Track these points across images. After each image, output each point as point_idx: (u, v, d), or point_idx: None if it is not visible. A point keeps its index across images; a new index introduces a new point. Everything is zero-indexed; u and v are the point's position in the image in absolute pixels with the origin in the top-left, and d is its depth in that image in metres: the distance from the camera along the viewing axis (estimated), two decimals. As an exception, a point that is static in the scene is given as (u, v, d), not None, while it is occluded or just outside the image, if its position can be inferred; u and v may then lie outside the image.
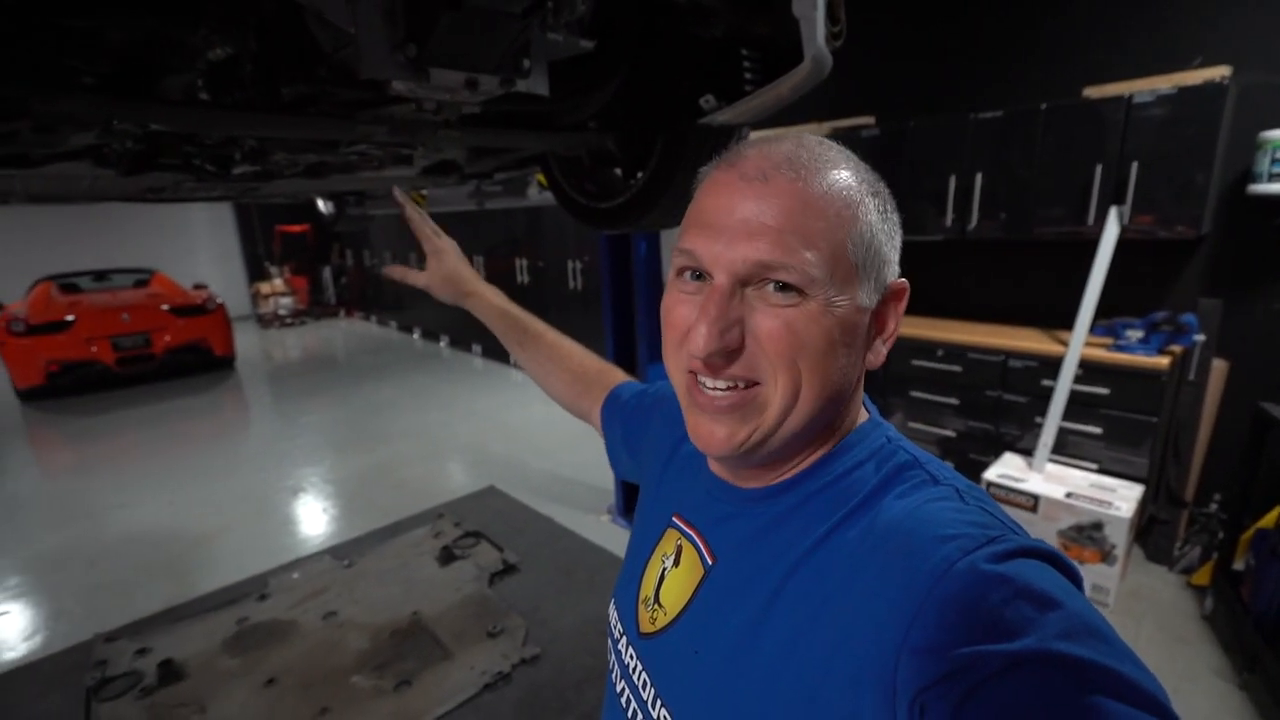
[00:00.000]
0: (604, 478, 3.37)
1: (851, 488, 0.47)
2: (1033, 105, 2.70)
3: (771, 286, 0.43)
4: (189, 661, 2.14)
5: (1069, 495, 2.42)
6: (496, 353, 6.81)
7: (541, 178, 2.02)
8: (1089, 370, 2.55)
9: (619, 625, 0.60)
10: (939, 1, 3.23)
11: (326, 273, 10.41)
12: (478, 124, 1.13)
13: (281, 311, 9.59)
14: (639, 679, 0.54)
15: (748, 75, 1.15)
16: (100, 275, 6.96)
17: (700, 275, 0.46)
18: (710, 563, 0.53)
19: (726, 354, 0.44)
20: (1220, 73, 2.32)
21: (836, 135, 3.40)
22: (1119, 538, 2.31)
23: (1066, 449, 2.68)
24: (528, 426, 4.69)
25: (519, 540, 2.88)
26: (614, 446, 0.80)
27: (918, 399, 3.13)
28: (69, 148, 1.16)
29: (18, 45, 0.75)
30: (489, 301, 0.94)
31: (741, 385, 0.45)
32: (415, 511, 3.24)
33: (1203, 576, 2.44)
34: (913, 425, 3.17)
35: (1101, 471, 2.60)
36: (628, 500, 3.12)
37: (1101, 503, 2.36)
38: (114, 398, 5.83)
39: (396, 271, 0.96)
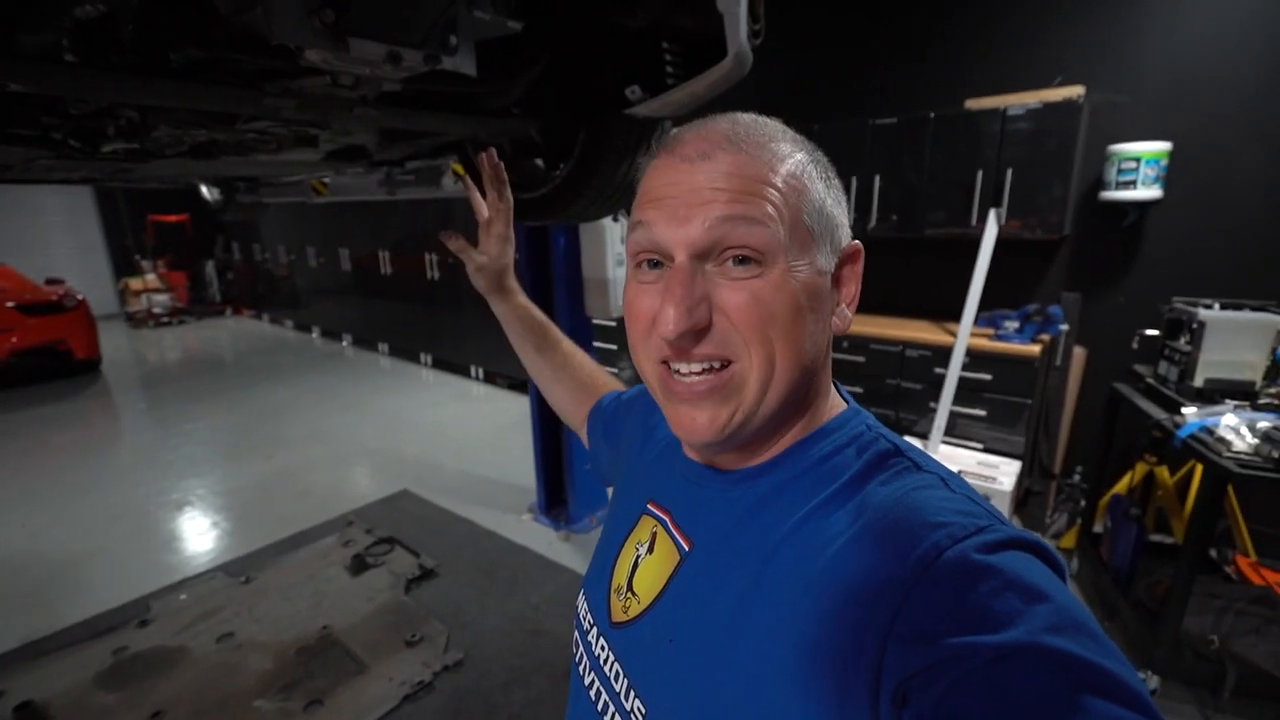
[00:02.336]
0: (524, 476, 3.31)
1: (833, 472, 0.46)
2: (922, 114, 2.92)
3: (731, 260, 0.43)
4: (53, 702, 1.90)
5: (960, 473, 2.64)
6: (404, 351, 6.51)
7: (458, 167, 1.95)
8: (974, 358, 2.80)
9: (589, 616, 0.58)
10: (837, 9, 3.42)
11: (210, 267, 9.52)
12: (397, 103, 1.07)
13: (156, 310, 8.68)
14: (610, 670, 0.53)
15: (670, 68, 1.17)
16: (-76, 268, 6.00)
17: (657, 264, 0.46)
18: (686, 548, 0.51)
19: (696, 334, 0.44)
20: (1076, 91, 2.61)
21: (748, 136, 3.51)
22: (1003, 509, 2.55)
23: (956, 430, 2.92)
24: (441, 426, 4.52)
25: (437, 544, 2.78)
26: (597, 453, 0.79)
27: (826, 388, 3.31)
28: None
29: None
30: (520, 301, 0.89)
31: (717, 366, 0.45)
32: (322, 520, 3.04)
33: (1069, 540, 2.75)
34: (822, 413, 3.35)
35: (986, 450, 2.86)
36: (550, 498, 3.08)
37: (987, 478, 2.60)
38: (-54, 409, 5.04)
39: (456, 242, 0.85)
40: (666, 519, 0.55)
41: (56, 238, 9.22)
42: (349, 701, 1.89)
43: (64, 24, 0.88)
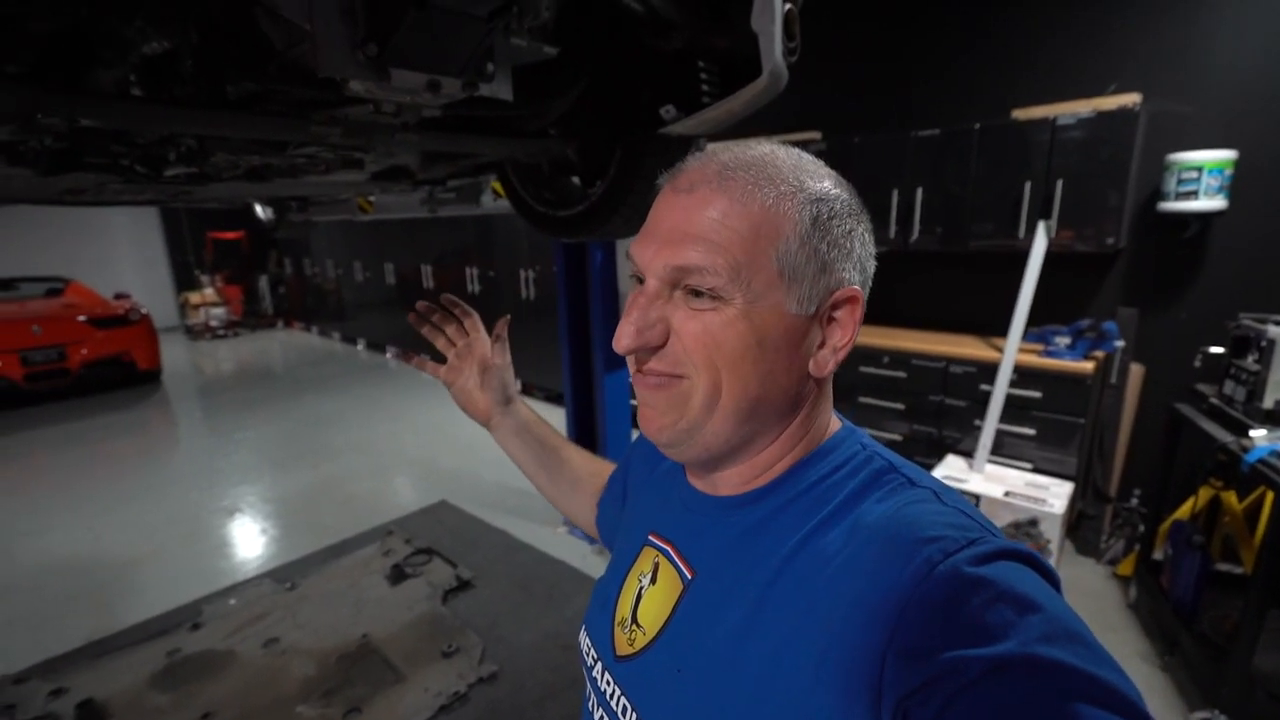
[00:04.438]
0: (560, 489, 3.33)
1: (828, 493, 0.47)
2: (967, 125, 2.86)
3: (690, 292, 0.45)
4: (112, 700, 1.99)
5: (1007, 494, 2.55)
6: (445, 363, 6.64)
7: (497, 185, 1.99)
8: (1022, 375, 2.70)
9: (592, 652, 0.59)
10: (882, 23, 3.38)
11: (263, 282, 9.94)
12: (437, 128, 1.10)
13: (213, 322, 9.10)
14: (618, 705, 0.53)
15: (705, 87, 1.17)
16: (6, 284, 6.43)
17: (643, 280, 0.48)
18: (689, 576, 0.52)
19: (650, 350, 0.47)
20: (1132, 99, 2.51)
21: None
22: (1053, 533, 2.44)
23: (1003, 450, 2.82)
24: (479, 439, 4.57)
25: (473, 555, 2.81)
26: (607, 533, 0.75)
27: (865, 404, 3.23)
28: (-18, 143, 1.07)
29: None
30: (521, 417, 0.83)
31: (673, 377, 0.47)
32: (363, 529, 3.11)
33: (1127, 567, 2.61)
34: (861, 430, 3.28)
35: (1035, 470, 2.74)
36: (585, 511, 3.08)
37: (1036, 500, 2.49)
38: (23, 416, 5.37)
39: (430, 367, 0.86)
40: (669, 549, 0.55)
41: (123, 254, 9.78)
42: (386, 711, 1.92)
43: (133, 60, 0.94)
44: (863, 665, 0.37)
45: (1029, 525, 2.48)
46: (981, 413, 2.74)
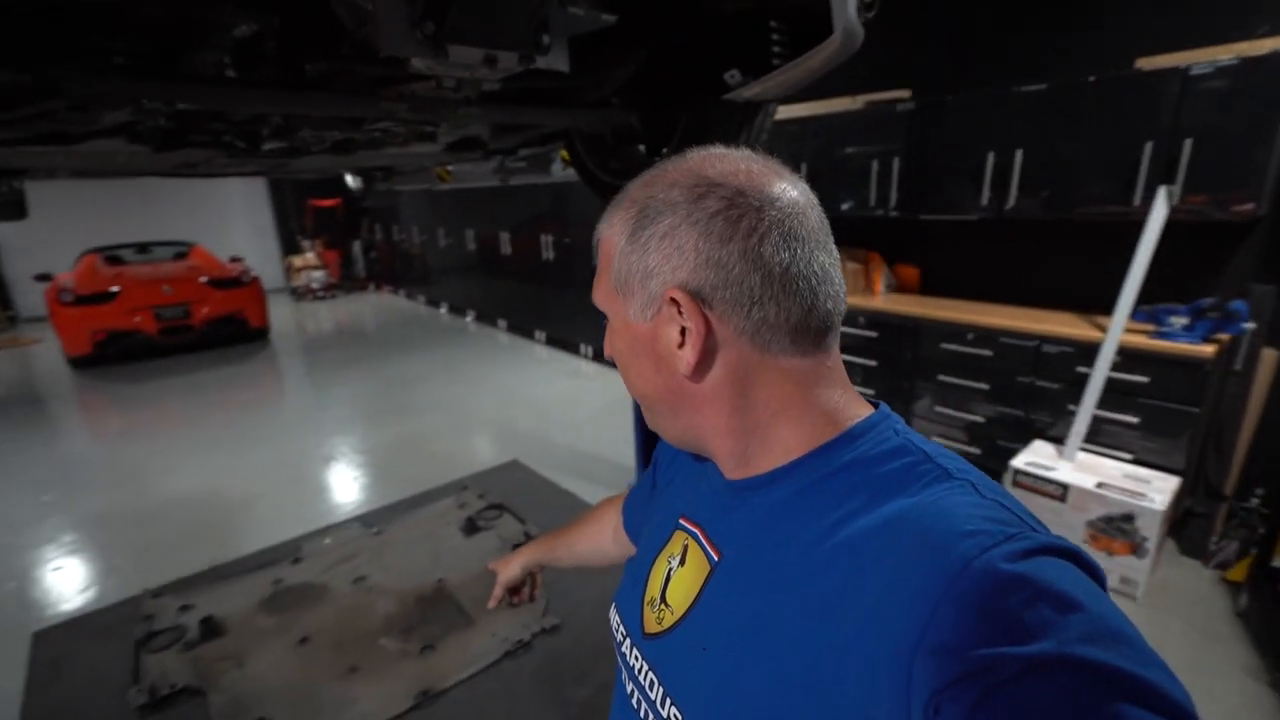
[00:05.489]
0: (625, 454, 3.40)
1: (859, 479, 0.46)
2: (1080, 77, 2.57)
3: None
4: (228, 618, 2.25)
5: (1100, 485, 2.36)
6: (521, 328, 6.86)
7: (564, 154, 2.01)
8: (1128, 357, 2.47)
9: (621, 628, 0.61)
10: (984, -33, 3.08)
11: (356, 247, 10.56)
12: (499, 101, 1.12)
13: (314, 285, 9.80)
14: (645, 680, 0.55)
15: (776, 48, 1.12)
16: (142, 248, 7.18)
17: None
18: (716, 558, 0.52)
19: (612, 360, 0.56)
20: (1287, 42, 2.17)
21: (871, 109, 3.29)
22: (1151, 530, 2.25)
23: (1100, 438, 2.60)
24: (552, 402, 4.74)
25: (541, 514, 2.93)
26: (633, 523, 0.82)
27: (946, 383, 3.07)
28: (103, 125, 1.19)
29: (52, 26, 0.77)
30: (567, 547, 0.98)
31: None
32: (441, 482, 3.31)
33: (1239, 572, 2.37)
34: (940, 410, 3.12)
35: (1136, 462, 2.53)
36: (649, 477, 3.14)
37: (1134, 494, 2.30)
38: (156, 367, 6.05)
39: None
40: (698, 532, 0.56)
41: (237, 221, 10.65)
42: (457, 651, 2.06)
43: (226, 43, 1.01)
44: (890, 659, 0.36)
45: (1122, 520, 2.30)
46: (1076, 397, 2.54)
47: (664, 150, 1.42)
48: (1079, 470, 2.49)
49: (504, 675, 1.98)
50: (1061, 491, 2.42)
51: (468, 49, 0.72)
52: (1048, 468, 2.51)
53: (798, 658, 0.42)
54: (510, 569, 0.99)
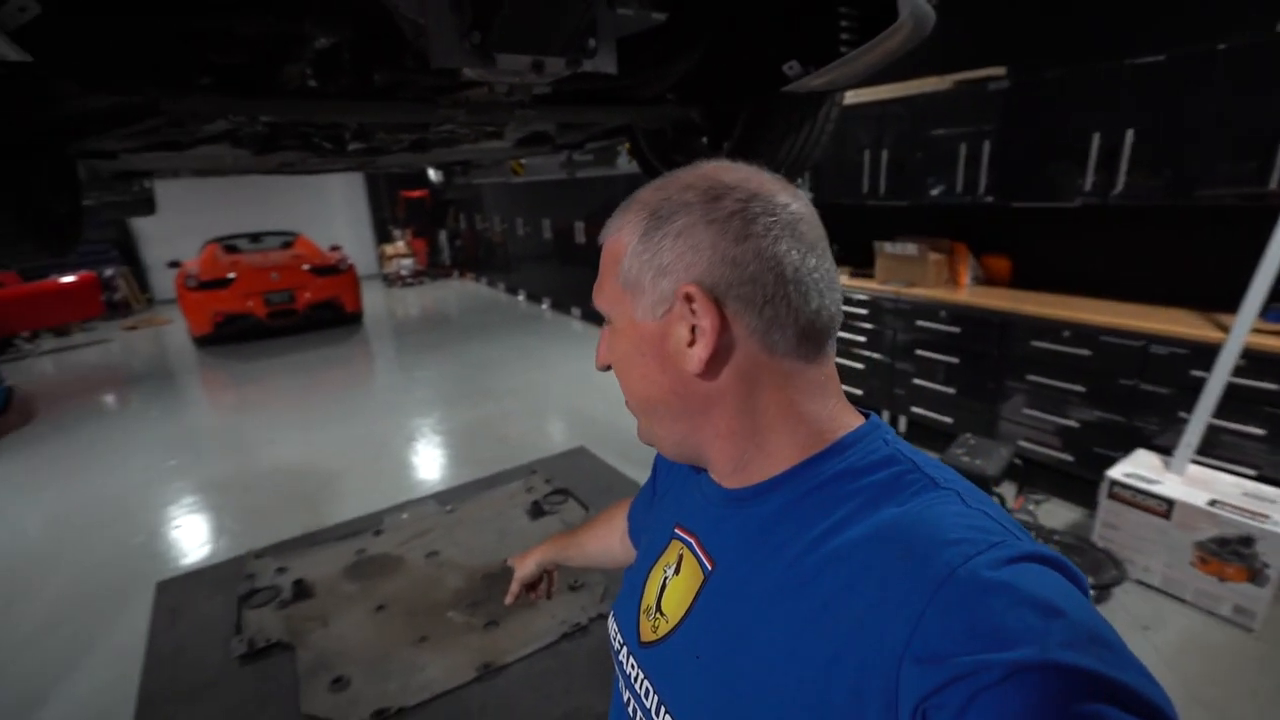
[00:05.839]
0: (690, 446, 3.40)
1: (847, 489, 0.46)
2: (1206, 46, 2.29)
3: None
4: (317, 582, 2.45)
5: (1213, 503, 2.13)
6: (594, 317, 6.98)
7: (627, 146, 2.02)
8: (1255, 361, 2.20)
9: (619, 637, 0.62)
10: (1097, -73, 2.80)
11: (443, 236, 11.07)
12: (552, 102, 1.14)
13: (403, 272, 10.37)
14: (641, 688, 0.55)
15: (844, 35, 1.07)
16: (255, 237, 7.87)
17: None
18: (709, 568, 0.53)
19: (607, 368, 0.57)
20: None
21: (960, 89, 3.09)
22: (1275, 556, 2.01)
23: (1216, 450, 2.35)
24: (620, 391, 4.80)
25: (604, 500, 2.99)
26: (636, 528, 0.83)
27: (1036, 384, 2.86)
28: (208, 133, 1.31)
29: (154, 51, 0.85)
30: (580, 546, 0.99)
31: None
32: (511, 466, 3.45)
33: (1384, 609, 2.08)
34: (1029, 412, 2.91)
35: (1260, 479, 2.26)
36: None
37: (1256, 514, 2.06)
38: (263, 347, 6.63)
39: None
40: (693, 541, 0.56)
41: (337, 211, 11.43)
42: (519, 629, 2.16)
43: (309, 55, 1.09)
44: (877, 668, 0.37)
45: (1239, 544, 2.07)
46: (1188, 403, 2.29)
47: (724, 145, 1.40)
48: (1189, 485, 2.25)
49: (562, 655, 2.05)
50: (1166, 508, 2.21)
51: (515, 56, 0.74)
52: (1151, 480, 2.29)
53: (788, 669, 0.42)
54: (526, 566, 1.01)
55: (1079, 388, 2.71)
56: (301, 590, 2.37)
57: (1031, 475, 2.86)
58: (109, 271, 8.82)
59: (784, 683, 0.42)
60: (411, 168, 3.17)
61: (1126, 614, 2.13)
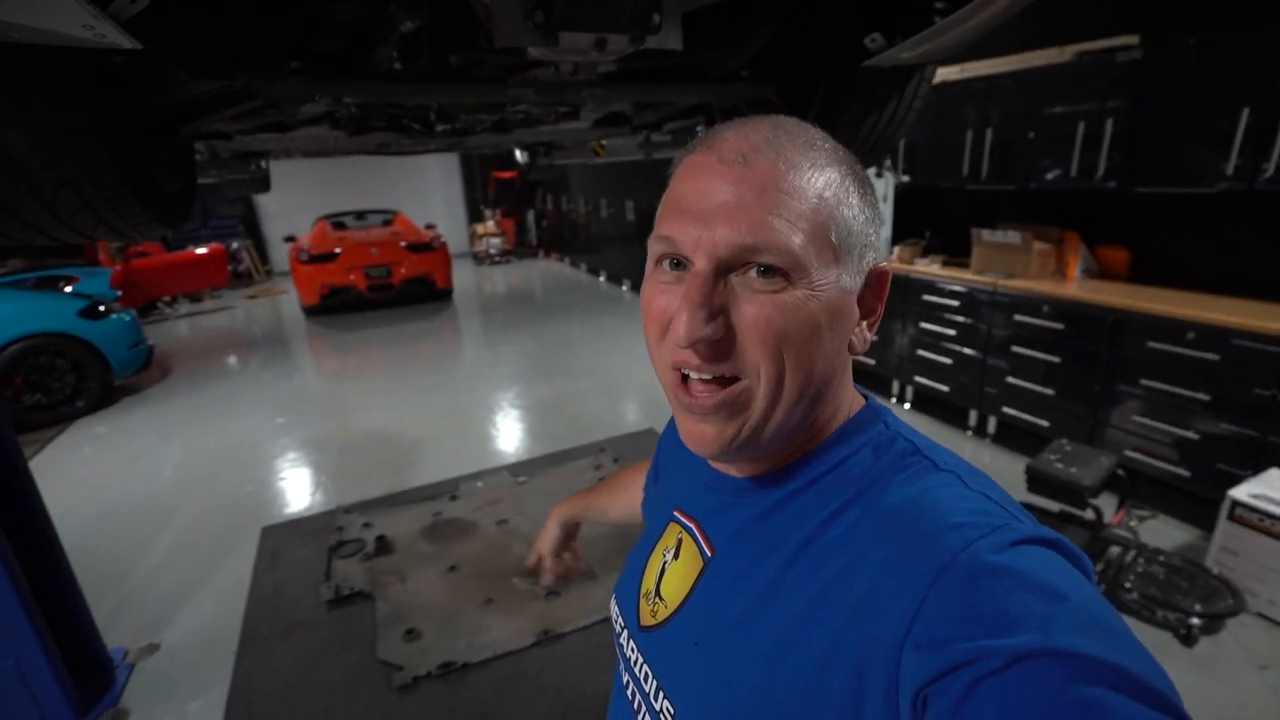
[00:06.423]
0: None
1: (849, 475, 0.46)
2: (1399, 4, 1.95)
3: (755, 271, 0.41)
4: (397, 540, 2.63)
5: (1362, 536, 1.86)
6: (672, 300, 6.96)
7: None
8: None
9: (620, 619, 0.61)
10: None
11: (530, 216, 11.37)
12: (620, 80, 1.14)
13: (492, 250, 10.77)
14: (640, 672, 0.55)
15: (940, 3, 1.00)
16: (359, 215, 8.42)
17: (679, 263, 0.44)
18: (709, 554, 0.52)
19: (710, 344, 0.42)
20: None
21: (1082, 60, 2.80)
22: None
23: (1372, 476, 2.04)
24: (693, 375, 4.78)
25: (669, 483, 3.01)
26: (647, 505, 0.80)
27: (1151, 389, 2.58)
28: (308, 115, 1.41)
29: (254, 38, 0.92)
30: (598, 508, 0.94)
31: (726, 378, 0.44)
32: (582, 443, 3.54)
33: None
34: (1140, 420, 2.64)
35: None
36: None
37: None
38: (363, 318, 7.11)
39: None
40: (693, 526, 0.55)
41: (434, 191, 12.00)
42: (578, 601, 2.23)
43: (394, 38, 1.14)
44: (878, 654, 0.36)
45: (1393, 584, 1.79)
46: (1340, 421, 2.00)
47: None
48: (1332, 513, 1.97)
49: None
50: (1301, 537, 1.95)
51: (577, 35, 0.74)
52: (1284, 505, 2.02)
53: (787, 657, 0.42)
54: (548, 534, 0.97)
55: (1203, 396, 2.42)
56: (383, 546, 2.56)
57: (1137, 488, 2.60)
58: (235, 245, 9.74)
59: (783, 671, 0.42)
60: (499, 148, 3.26)
61: (1241, 649, 1.90)
